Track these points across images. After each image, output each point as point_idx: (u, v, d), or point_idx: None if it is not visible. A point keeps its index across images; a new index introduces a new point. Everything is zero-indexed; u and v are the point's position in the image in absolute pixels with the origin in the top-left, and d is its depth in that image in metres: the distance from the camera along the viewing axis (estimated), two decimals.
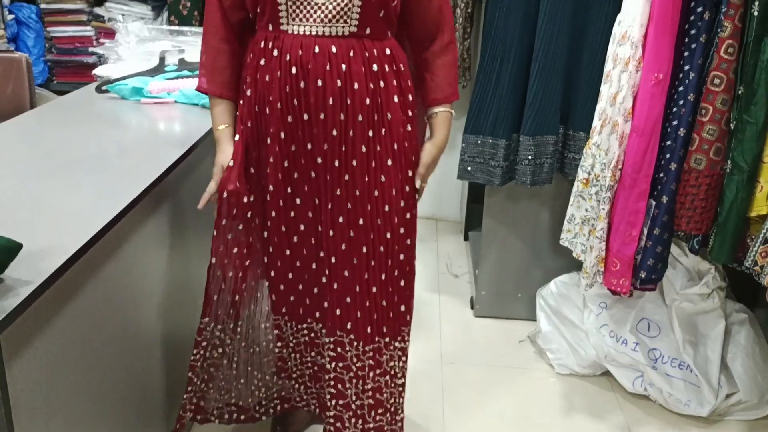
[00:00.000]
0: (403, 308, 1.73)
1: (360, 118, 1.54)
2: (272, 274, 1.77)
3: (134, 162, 1.69)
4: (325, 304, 1.73)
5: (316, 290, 1.76)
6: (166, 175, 1.62)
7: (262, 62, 1.54)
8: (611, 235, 2.03)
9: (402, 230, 1.66)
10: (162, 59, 2.38)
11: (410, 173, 1.65)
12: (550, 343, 2.50)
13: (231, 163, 1.61)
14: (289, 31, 1.50)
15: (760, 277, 1.70)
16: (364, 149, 1.58)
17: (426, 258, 3.29)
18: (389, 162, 1.60)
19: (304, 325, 1.83)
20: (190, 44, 2.48)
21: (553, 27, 2.27)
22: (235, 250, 1.71)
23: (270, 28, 1.52)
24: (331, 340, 1.73)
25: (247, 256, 1.74)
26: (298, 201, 1.65)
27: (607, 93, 2.04)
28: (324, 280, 1.71)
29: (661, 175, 1.93)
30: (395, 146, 1.60)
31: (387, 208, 1.63)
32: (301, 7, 1.47)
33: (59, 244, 1.19)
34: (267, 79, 1.54)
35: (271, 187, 1.63)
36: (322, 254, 1.68)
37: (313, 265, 1.73)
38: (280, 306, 1.81)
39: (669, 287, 2.27)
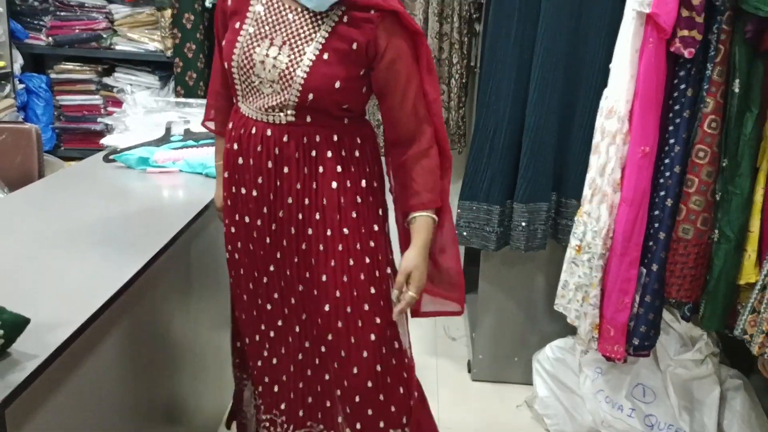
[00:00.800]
0: (393, 408, 1.67)
1: (290, 201, 1.56)
2: (258, 363, 1.78)
3: (140, 232, 1.74)
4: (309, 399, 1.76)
5: (292, 368, 1.76)
6: (170, 245, 1.67)
7: (229, 126, 1.64)
8: (604, 302, 2.08)
9: (340, 324, 1.60)
10: (168, 129, 2.46)
11: (351, 262, 1.59)
12: (548, 409, 2.51)
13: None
14: (242, 110, 1.59)
15: (751, 345, 1.74)
16: (293, 231, 1.59)
17: (423, 321, 3.30)
18: (321, 247, 1.58)
19: (269, 417, 1.83)
20: (196, 115, 2.57)
21: (544, 100, 2.36)
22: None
23: (234, 101, 1.63)
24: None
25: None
26: (242, 271, 1.71)
27: (596, 164, 2.11)
28: (292, 368, 1.73)
29: (651, 243, 1.99)
30: (328, 232, 1.57)
31: (316, 292, 1.60)
32: (251, 92, 1.55)
33: (65, 317, 1.23)
34: (227, 145, 1.64)
35: (229, 247, 1.70)
36: (262, 327, 1.73)
37: (282, 350, 1.74)
38: (272, 405, 1.81)
39: (663, 353, 2.29)
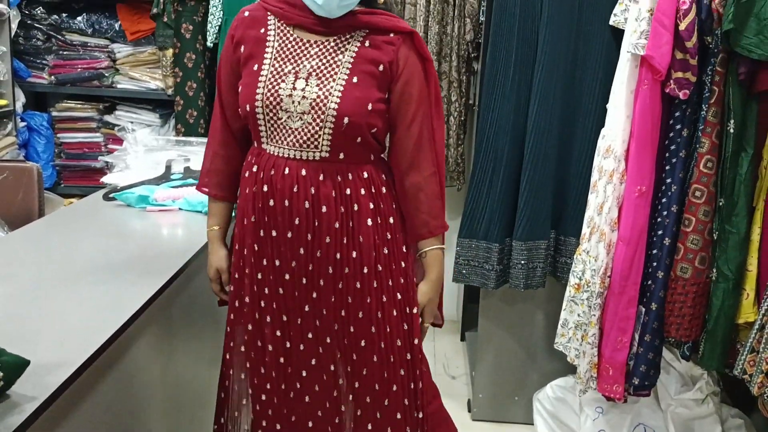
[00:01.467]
0: None
1: (327, 240, 1.56)
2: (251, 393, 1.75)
3: (139, 272, 1.74)
4: (293, 418, 1.72)
5: (286, 410, 1.73)
6: (169, 284, 1.67)
7: (246, 174, 1.62)
8: (603, 341, 2.07)
9: (375, 358, 1.63)
10: (168, 167, 2.48)
11: (385, 298, 1.61)
12: None
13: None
14: (268, 151, 1.57)
15: (751, 385, 1.73)
16: (330, 270, 1.59)
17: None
18: (357, 285, 1.60)
19: None
20: (196, 153, 2.59)
21: (542, 139, 2.38)
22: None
23: (255, 144, 1.62)
24: None
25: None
26: (267, 318, 1.65)
27: (594, 202, 2.12)
28: (292, 395, 1.70)
29: (649, 282, 1.99)
30: (365, 269, 1.59)
31: (352, 329, 1.62)
32: (278, 130, 1.54)
33: (65, 358, 1.22)
34: (246, 191, 1.61)
35: (246, 299, 1.65)
36: (289, 370, 1.67)
37: (282, 386, 1.71)
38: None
39: (664, 392, 2.28)
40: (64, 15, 3.41)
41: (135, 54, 3.45)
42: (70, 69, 3.43)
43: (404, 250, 1.66)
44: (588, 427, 2.38)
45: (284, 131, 1.53)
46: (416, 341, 1.65)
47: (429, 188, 1.61)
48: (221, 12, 3.12)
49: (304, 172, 1.53)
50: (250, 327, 1.67)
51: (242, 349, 1.71)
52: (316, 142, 1.52)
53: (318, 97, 1.49)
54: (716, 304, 1.92)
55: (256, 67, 1.55)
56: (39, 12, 3.40)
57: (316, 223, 1.55)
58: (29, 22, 3.40)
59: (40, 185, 2.40)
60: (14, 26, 3.29)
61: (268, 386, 1.71)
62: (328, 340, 1.64)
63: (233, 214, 1.76)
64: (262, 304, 1.65)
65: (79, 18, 3.41)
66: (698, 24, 1.84)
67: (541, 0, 2.35)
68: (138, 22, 3.40)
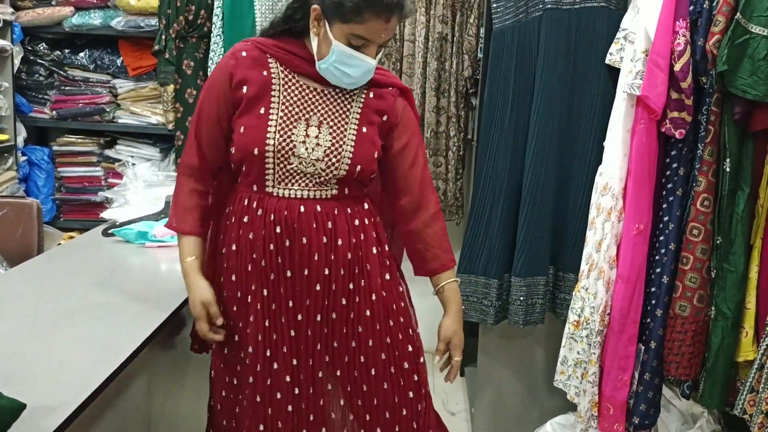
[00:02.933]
0: None
1: (342, 272, 1.59)
2: None
3: (138, 309, 1.73)
4: None
5: None
6: (168, 323, 1.67)
7: (245, 219, 1.59)
8: (603, 380, 2.06)
9: (386, 385, 1.64)
10: (167, 203, 2.49)
11: (391, 323, 1.65)
12: None
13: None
14: (274, 194, 1.56)
15: (751, 425, 1.72)
16: (344, 302, 1.61)
17: None
18: (368, 313, 1.63)
19: None
20: None
21: (540, 175, 2.40)
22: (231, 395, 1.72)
23: (255, 188, 1.58)
24: None
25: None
26: (275, 365, 1.62)
27: (592, 239, 2.13)
28: None
29: (649, 320, 1.99)
30: (373, 296, 1.63)
31: (363, 359, 1.64)
32: (288, 174, 1.55)
33: (60, 400, 1.22)
34: (250, 236, 1.58)
35: (250, 349, 1.62)
36: (296, 420, 1.65)
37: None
38: None
39: (664, 430, 2.26)
40: (66, 51, 3.45)
41: (136, 89, 3.48)
42: (71, 104, 3.47)
43: (398, 275, 1.73)
44: None
45: (295, 176, 1.56)
46: (421, 359, 1.70)
47: (437, 225, 1.69)
48: (222, 49, 3.15)
49: (319, 209, 1.57)
50: (251, 379, 1.63)
51: (240, 398, 1.67)
52: (326, 184, 1.57)
53: (332, 145, 1.55)
54: (715, 342, 1.92)
55: (263, 111, 1.54)
56: (42, 48, 3.44)
57: (332, 257, 1.58)
58: (32, 57, 3.44)
59: (40, 221, 2.41)
60: (17, 62, 3.33)
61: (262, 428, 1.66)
62: (338, 373, 1.64)
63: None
64: (268, 353, 1.61)
65: (81, 54, 3.45)
66: (693, 65, 1.86)
67: (537, 37, 2.38)
68: (139, 58, 3.44)
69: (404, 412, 1.67)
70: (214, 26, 3.17)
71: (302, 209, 1.55)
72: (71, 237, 3.42)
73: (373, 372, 1.65)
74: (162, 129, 3.45)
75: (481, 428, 2.78)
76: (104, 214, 2.62)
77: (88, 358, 1.44)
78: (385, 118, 1.61)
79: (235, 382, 1.67)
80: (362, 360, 1.64)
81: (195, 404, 2.04)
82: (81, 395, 1.25)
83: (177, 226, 1.67)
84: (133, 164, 3.25)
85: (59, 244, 3.11)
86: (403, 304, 1.70)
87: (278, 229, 1.56)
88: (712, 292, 1.93)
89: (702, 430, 2.22)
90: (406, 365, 1.66)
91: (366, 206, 1.66)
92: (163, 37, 3.15)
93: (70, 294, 1.83)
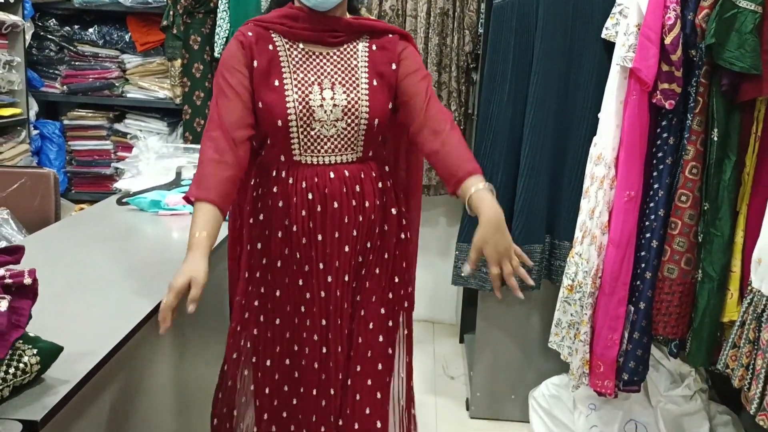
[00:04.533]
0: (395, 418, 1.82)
1: (366, 232, 1.68)
2: (273, 402, 1.79)
3: (154, 272, 1.83)
4: (323, 429, 1.77)
5: (314, 417, 1.78)
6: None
7: (275, 189, 1.66)
8: (594, 339, 2.17)
9: (381, 338, 1.74)
10: (178, 174, 2.59)
11: (396, 279, 1.77)
12: None
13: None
14: (303, 162, 1.63)
15: (732, 379, 1.83)
16: (360, 259, 1.70)
17: (423, 360, 3.39)
18: (377, 270, 1.73)
19: None
20: None
21: (537, 148, 2.49)
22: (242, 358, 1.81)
23: (282, 158, 1.65)
24: None
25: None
26: (307, 322, 1.71)
27: (586, 207, 2.23)
28: (324, 403, 1.75)
29: (638, 283, 2.10)
30: (385, 255, 1.74)
31: (363, 312, 1.72)
32: (312, 140, 1.62)
33: (89, 349, 1.32)
34: (280, 204, 1.65)
35: (288, 308, 1.72)
36: (323, 376, 1.73)
37: (314, 392, 1.76)
38: None
39: (654, 389, 2.38)
40: (76, 27, 3.53)
41: (144, 64, 3.57)
42: (81, 79, 3.55)
43: (409, 236, 1.82)
44: (581, 423, 2.48)
45: (319, 140, 1.62)
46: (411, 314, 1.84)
47: (454, 139, 1.59)
48: (228, 24, 3.23)
49: (347, 173, 1.65)
50: (279, 336, 1.73)
51: (268, 363, 1.76)
52: (353, 145, 1.65)
53: (348, 104, 1.61)
54: (702, 303, 2.02)
55: (277, 83, 1.59)
56: (52, 24, 3.52)
57: (361, 219, 1.67)
58: (42, 33, 3.52)
59: (57, 191, 2.50)
60: (28, 38, 3.40)
61: (302, 390, 1.76)
62: (345, 330, 1.73)
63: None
64: (303, 309, 1.70)
65: (90, 30, 3.52)
66: (683, 38, 1.95)
67: (536, 13, 2.46)
68: (147, 34, 3.51)
69: (389, 351, 1.78)
70: (220, 2, 3.25)
71: (332, 175, 1.63)
72: (82, 209, 3.53)
73: (371, 326, 1.73)
74: (169, 103, 3.53)
75: (479, 390, 2.90)
76: (117, 184, 2.71)
77: (109, 315, 1.53)
78: (393, 66, 1.65)
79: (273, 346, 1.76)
80: (363, 314, 1.73)
81: (205, 359, 2.15)
82: (107, 346, 1.35)
83: (195, 193, 1.56)
84: (144, 137, 3.33)
85: (71, 215, 3.21)
86: (405, 264, 1.79)
87: (310, 196, 1.63)
88: (699, 256, 2.03)
89: (689, 388, 2.33)
90: (401, 317, 1.80)
91: (387, 169, 1.75)
92: (171, 13, 3.22)
93: (89, 258, 1.92)
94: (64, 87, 3.56)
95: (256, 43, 1.62)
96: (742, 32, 1.85)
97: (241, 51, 1.61)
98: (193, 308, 1.42)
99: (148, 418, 1.71)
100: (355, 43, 1.67)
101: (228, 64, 1.62)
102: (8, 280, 1.06)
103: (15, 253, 1.15)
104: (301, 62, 1.63)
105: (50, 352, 1.19)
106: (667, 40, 1.93)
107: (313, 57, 1.64)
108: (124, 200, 2.49)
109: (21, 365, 1.13)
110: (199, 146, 2.87)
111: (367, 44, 1.67)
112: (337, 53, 1.65)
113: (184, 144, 3.28)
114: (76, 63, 3.56)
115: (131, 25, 3.53)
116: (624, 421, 2.41)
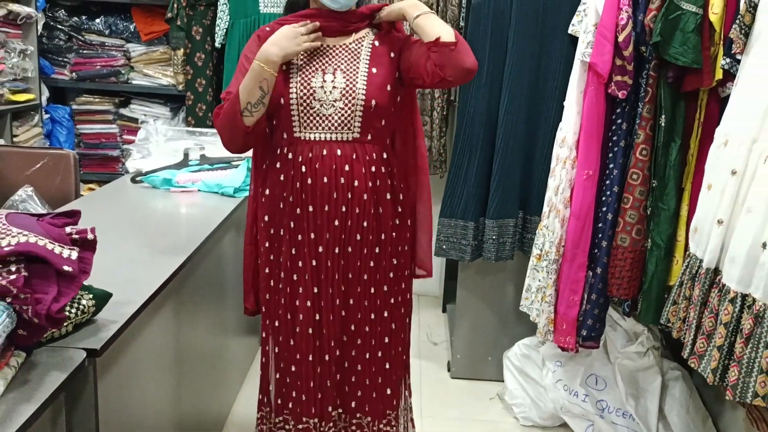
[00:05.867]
0: (389, 391, 2.03)
1: (357, 211, 1.84)
2: (280, 365, 1.97)
3: (169, 240, 2.10)
4: (319, 395, 1.94)
5: (312, 384, 1.93)
6: (199, 250, 2.04)
7: (278, 165, 1.87)
8: (558, 301, 2.47)
9: (386, 313, 1.96)
10: (186, 155, 2.85)
11: (395, 261, 1.94)
12: (515, 399, 2.88)
13: None
14: (302, 138, 1.83)
15: (672, 331, 2.12)
16: (359, 237, 1.87)
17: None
18: (377, 250, 1.91)
19: (301, 426, 1.97)
20: (210, 143, 2.96)
21: (510, 132, 2.77)
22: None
23: (284, 136, 1.85)
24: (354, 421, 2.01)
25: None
26: (300, 290, 1.89)
27: (552, 185, 2.51)
28: (319, 369, 1.92)
29: (596, 251, 2.39)
30: (383, 236, 1.90)
31: (372, 290, 1.94)
32: (311, 118, 1.81)
33: (130, 298, 1.59)
34: (281, 178, 1.86)
35: (282, 274, 1.90)
36: (317, 343, 1.90)
37: (310, 357, 1.92)
38: (285, 404, 1.98)
39: (612, 346, 2.68)
40: (83, 17, 3.77)
41: (148, 53, 3.81)
42: (89, 66, 3.79)
43: (408, 223, 1.99)
44: (549, 378, 2.77)
45: (318, 118, 1.81)
46: (408, 296, 2.04)
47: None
48: (228, 16, 3.47)
49: (339, 152, 1.82)
50: (282, 301, 1.92)
51: (276, 323, 1.96)
52: (349, 124, 1.82)
53: (347, 85, 1.80)
54: (650, 268, 2.31)
55: (284, 68, 1.81)
56: (61, 14, 3.75)
57: (350, 196, 1.83)
58: (52, 23, 3.75)
59: (76, 170, 2.75)
60: (39, 28, 3.63)
61: (298, 356, 1.93)
62: (351, 302, 1.92)
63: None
64: (295, 278, 1.89)
65: (97, 20, 3.76)
66: (634, 36, 2.22)
67: (510, 11, 2.73)
68: (151, 24, 3.75)
69: (386, 340, 1.99)
70: None
71: (324, 152, 1.81)
72: (90, 189, 3.78)
73: (378, 302, 1.94)
74: (172, 90, 3.78)
75: (459, 353, 3.19)
76: (129, 165, 2.97)
77: (140, 272, 1.81)
78: (392, 55, 1.87)
79: (277, 305, 1.97)
80: (372, 291, 1.93)
81: (225, 320, 2.42)
82: (144, 294, 1.63)
83: (234, 93, 1.78)
84: (155, 120, 3.57)
85: (81, 195, 3.46)
86: (407, 247, 1.99)
87: (303, 169, 1.82)
88: (649, 227, 2.32)
89: (642, 345, 2.63)
90: (408, 295, 2.03)
91: (385, 156, 1.89)
92: (176, 5, 3.47)
93: (112, 229, 2.15)
94: (73, 74, 3.80)
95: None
96: (686, 31, 2.12)
97: (257, 43, 1.85)
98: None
99: (180, 351, 1.99)
100: (362, 38, 1.88)
101: (245, 53, 1.87)
102: (75, 236, 1.32)
103: (73, 216, 1.42)
104: (311, 53, 1.85)
105: (102, 298, 1.46)
106: (620, 38, 2.21)
107: (324, 49, 1.85)
108: (138, 179, 2.75)
109: (81, 306, 1.40)
110: (200, 129, 3.17)
111: (373, 38, 1.89)
112: (345, 46, 1.86)
113: (187, 127, 3.53)
114: (84, 51, 3.80)
115: (136, 16, 3.77)
116: (586, 375, 2.71)
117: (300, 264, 1.89)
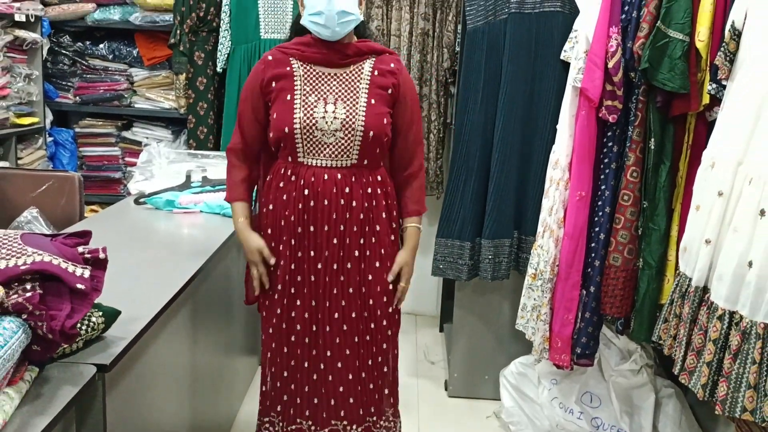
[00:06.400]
0: (386, 391, 2.15)
1: (355, 229, 1.98)
2: (272, 370, 2.12)
3: (175, 260, 2.15)
4: (315, 400, 2.09)
5: (307, 388, 2.10)
6: (202, 269, 2.10)
7: (281, 185, 2.00)
8: (553, 319, 2.52)
9: (384, 322, 2.08)
10: (188, 177, 2.91)
11: (390, 277, 2.07)
12: (512, 417, 2.92)
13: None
14: (305, 163, 1.97)
15: (663, 348, 2.18)
16: (356, 254, 2.01)
17: (406, 348, 3.72)
18: (377, 264, 2.04)
19: (293, 427, 2.13)
20: (212, 165, 3.03)
21: (505, 154, 2.84)
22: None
23: (289, 159, 1.99)
24: (327, 431, 2.11)
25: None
26: (297, 302, 2.03)
27: (546, 205, 2.58)
28: (315, 377, 2.07)
29: (589, 270, 2.45)
30: (382, 251, 2.04)
31: (371, 302, 2.05)
32: (314, 146, 1.95)
33: (138, 314, 1.64)
34: (284, 198, 1.99)
35: (279, 287, 2.03)
36: (314, 352, 2.04)
37: (305, 364, 2.06)
38: (274, 406, 2.13)
39: (606, 364, 2.73)
40: (87, 42, 3.85)
41: (150, 77, 3.88)
42: (92, 90, 3.86)
43: (399, 241, 2.13)
44: (545, 396, 2.82)
45: (320, 146, 1.95)
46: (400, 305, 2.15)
47: (418, 180, 2.11)
48: (230, 42, 3.56)
49: (339, 176, 1.97)
50: (279, 311, 2.05)
51: (270, 331, 2.08)
52: (348, 152, 1.96)
53: (347, 117, 1.94)
54: (642, 287, 2.37)
55: (288, 98, 1.95)
56: (66, 40, 3.83)
57: (348, 216, 1.97)
58: (57, 48, 3.83)
59: (81, 192, 2.80)
60: (44, 53, 3.71)
61: (293, 363, 2.07)
62: (353, 315, 2.04)
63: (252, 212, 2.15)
64: (293, 291, 2.02)
65: (101, 45, 3.84)
66: (623, 63, 2.30)
67: (504, 36, 2.81)
68: (154, 49, 3.83)
69: (384, 346, 2.11)
70: (222, 22, 3.57)
71: (326, 177, 1.95)
72: (93, 210, 3.83)
73: (378, 312, 2.06)
74: (174, 113, 3.85)
75: (456, 371, 3.23)
76: (132, 187, 3.03)
77: (146, 290, 1.86)
78: (389, 91, 2.00)
79: (274, 313, 2.08)
80: (371, 303, 2.05)
81: (217, 334, 2.46)
82: (152, 311, 1.68)
83: (230, 197, 2.10)
84: (158, 143, 3.63)
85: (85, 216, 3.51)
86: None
87: (306, 192, 1.96)
88: (640, 247, 2.38)
89: (636, 362, 2.68)
90: (396, 305, 2.13)
91: (380, 178, 2.03)
92: (178, 31, 3.55)
93: (115, 250, 2.17)
94: (77, 98, 3.87)
95: (276, 66, 1.99)
96: (673, 58, 2.20)
97: (260, 81, 2.00)
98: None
99: (186, 372, 2.04)
100: (361, 66, 2.00)
101: (248, 92, 2.03)
102: (87, 255, 1.38)
103: (85, 236, 1.48)
104: (311, 81, 1.97)
105: (111, 315, 1.51)
106: (610, 64, 2.29)
107: (323, 77, 1.98)
108: (141, 200, 2.81)
109: (91, 323, 1.45)
110: (202, 152, 3.25)
111: (371, 70, 2.00)
112: (345, 74, 1.99)
113: (188, 150, 3.60)
114: (88, 76, 3.88)
115: (139, 41, 3.85)
116: (581, 392, 2.76)
117: (299, 278, 2.02)
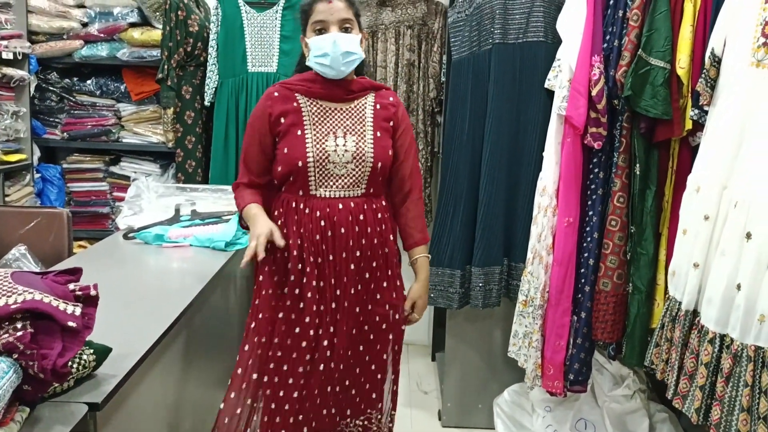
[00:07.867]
0: (374, 396, 2.18)
1: (369, 254, 2.05)
2: (266, 393, 2.08)
3: (164, 296, 2.14)
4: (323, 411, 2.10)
5: (300, 417, 2.08)
6: (191, 306, 2.08)
7: (295, 218, 2.01)
8: (545, 345, 2.52)
9: (391, 336, 2.13)
10: (177, 211, 2.91)
11: (394, 295, 2.13)
12: None
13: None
14: (318, 195, 2.00)
15: (655, 372, 2.18)
16: (367, 276, 2.07)
17: (399, 378, 3.70)
18: (385, 284, 2.10)
19: None
20: (200, 198, 3.03)
21: (493, 182, 2.86)
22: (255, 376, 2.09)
23: (300, 192, 2.02)
24: None
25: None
26: (320, 331, 2.03)
27: (535, 232, 2.59)
28: (316, 391, 2.06)
29: (579, 295, 2.46)
30: (389, 272, 2.11)
31: (377, 318, 2.10)
32: (326, 178, 2.00)
33: (130, 351, 1.63)
34: (294, 229, 2.00)
35: (307, 319, 2.01)
36: (322, 366, 2.04)
37: (301, 381, 2.06)
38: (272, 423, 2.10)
39: (599, 390, 2.73)
40: (75, 78, 3.85)
41: (138, 112, 3.89)
42: (80, 126, 3.86)
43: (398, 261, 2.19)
44: (539, 423, 2.81)
45: (332, 178, 2.00)
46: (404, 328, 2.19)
47: (418, 208, 2.18)
48: (217, 76, 3.58)
49: (352, 205, 2.03)
50: (283, 327, 2.03)
51: (267, 352, 2.05)
52: (359, 183, 2.03)
53: (357, 150, 2.01)
54: (633, 312, 2.38)
55: (299, 133, 1.99)
56: (53, 76, 3.83)
57: (363, 242, 2.04)
58: (44, 85, 3.82)
59: (69, 228, 2.79)
60: (32, 89, 3.72)
61: (290, 381, 2.05)
62: (372, 337, 2.09)
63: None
64: (307, 320, 2.01)
65: (88, 81, 3.85)
66: (607, 90, 2.34)
67: (489, 67, 2.85)
68: (141, 84, 3.85)
69: (384, 357, 2.15)
70: (209, 56, 3.60)
71: (340, 206, 2.00)
72: (81, 246, 3.81)
73: (384, 326, 2.11)
74: (162, 147, 3.85)
75: (449, 401, 3.22)
76: (121, 222, 3.02)
77: (138, 326, 1.85)
78: (391, 123, 2.09)
79: (279, 354, 2.05)
80: (377, 319, 2.10)
81: (207, 370, 2.45)
82: (143, 347, 1.67)
83: (242, 204, 2.07)
84: (145, 176, 3.63)
85: (73, 253, 3.49)
86: (400, 283, 2.18)
87: (323, 223, 2.00)
88: (629, 271, 2.40)
89: (629, 387, 2.68)
90: (401, 327, 2.18)
91: (384, 203, 2.11)
92: (166, 66, 3.57)
93: (105, 287, 2.18)
94: (65, 134, 3.86)
95: (282, 102, 2.03)
96: (655, 85, 2.25)
97: (267, 115, 2.03)
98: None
99: (178, 409, 2.02)
100: (364, 100, 2.08)
101: (255, 126, 2.07)
102: (78, 292, 1.37)
103: (75, 273, 1.47)
104: (319, 115, 2.03)
105: (102, 352, 1.50)
106: (594, 92, 2.33)
107: (329, 111, 2.04)
108: (130, 235, 2.80)
109: (83, 361, 1.44)
110: (191, 185, 3.24)
111: (373, 104, 2.08)
112: (350, 108, 2.06)
113: (177, 184, 3.60)
114: (76, 112, 3.87)
115: (126, 76, 3.86)
116: (575, 419, 2.75)
117: (322, 308, 2.03)
